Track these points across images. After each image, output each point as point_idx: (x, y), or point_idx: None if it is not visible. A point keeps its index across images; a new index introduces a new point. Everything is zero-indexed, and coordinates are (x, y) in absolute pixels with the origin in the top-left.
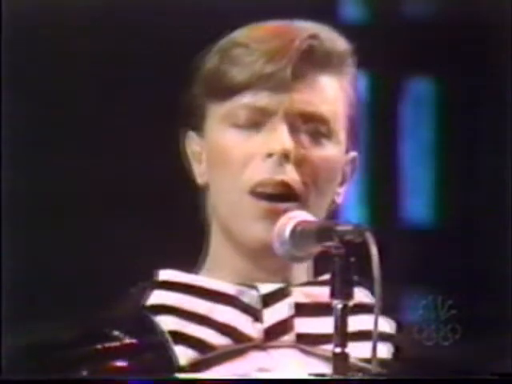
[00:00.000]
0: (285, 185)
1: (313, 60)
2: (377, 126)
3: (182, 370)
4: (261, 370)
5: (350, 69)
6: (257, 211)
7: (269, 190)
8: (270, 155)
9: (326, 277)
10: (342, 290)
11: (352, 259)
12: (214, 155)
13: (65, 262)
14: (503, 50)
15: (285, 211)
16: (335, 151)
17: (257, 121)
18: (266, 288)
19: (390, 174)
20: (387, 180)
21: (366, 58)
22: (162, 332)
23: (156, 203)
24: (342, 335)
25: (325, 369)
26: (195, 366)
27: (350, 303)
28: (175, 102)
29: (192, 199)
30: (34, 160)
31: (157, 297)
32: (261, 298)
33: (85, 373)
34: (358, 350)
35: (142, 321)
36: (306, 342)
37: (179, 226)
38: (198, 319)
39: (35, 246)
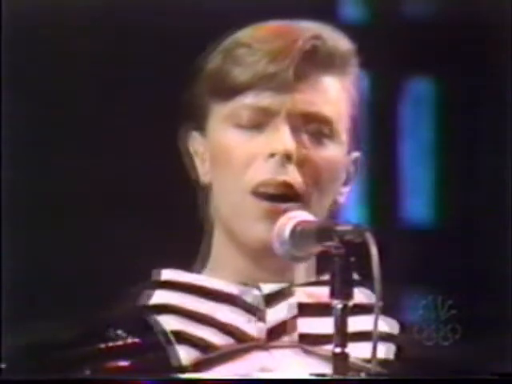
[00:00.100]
0: (287, 185)
1: (316, 60)
2: (377, 126)
3: (185, 369)
4: (263, 369)
5: (353, 69)
6: (259, 211)
7: (271, 190)
8: (272, 155)
9: (328, 276)
10: (341, 290)
11: (352, 259)
12: (216, 155)
13: (65, 262)
14: (503, 50)
15: (285, 211)
16: (337, 152)
17: (259, 121)
18: (269, 288)
19: (390, 174)
20: (387, 180)
21: (365, 57)
22: (164, 332)
23: (156, 203)
24: (342, 335)
25: (327, 369)
26: (197, 366)
27: (350, 303)
28: (175, 102)
29: (192, 199)
30: (33, 160)
31: (159, 296)
32: (263, 297)
33: (85, 373)
34: (358, 350)
35: (143, 320)
36: (309, 342)
37: (179, 225)
38: (200, 319)
39: (35, 246)
